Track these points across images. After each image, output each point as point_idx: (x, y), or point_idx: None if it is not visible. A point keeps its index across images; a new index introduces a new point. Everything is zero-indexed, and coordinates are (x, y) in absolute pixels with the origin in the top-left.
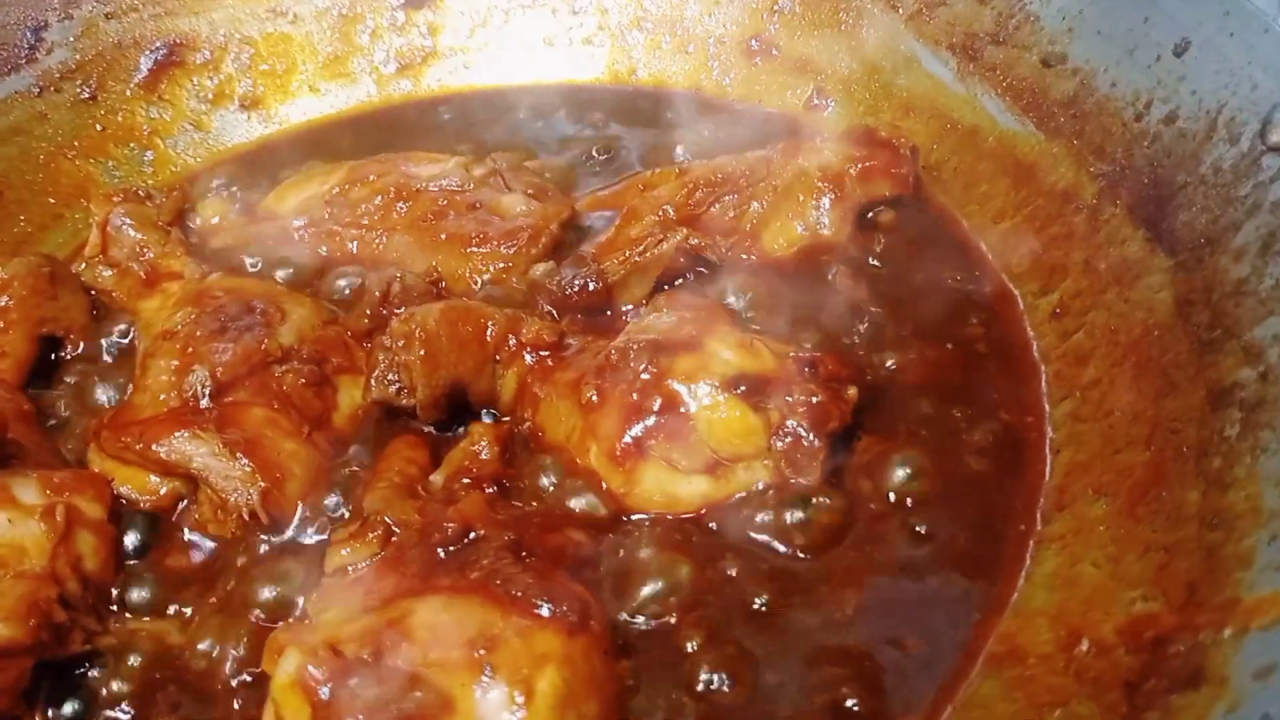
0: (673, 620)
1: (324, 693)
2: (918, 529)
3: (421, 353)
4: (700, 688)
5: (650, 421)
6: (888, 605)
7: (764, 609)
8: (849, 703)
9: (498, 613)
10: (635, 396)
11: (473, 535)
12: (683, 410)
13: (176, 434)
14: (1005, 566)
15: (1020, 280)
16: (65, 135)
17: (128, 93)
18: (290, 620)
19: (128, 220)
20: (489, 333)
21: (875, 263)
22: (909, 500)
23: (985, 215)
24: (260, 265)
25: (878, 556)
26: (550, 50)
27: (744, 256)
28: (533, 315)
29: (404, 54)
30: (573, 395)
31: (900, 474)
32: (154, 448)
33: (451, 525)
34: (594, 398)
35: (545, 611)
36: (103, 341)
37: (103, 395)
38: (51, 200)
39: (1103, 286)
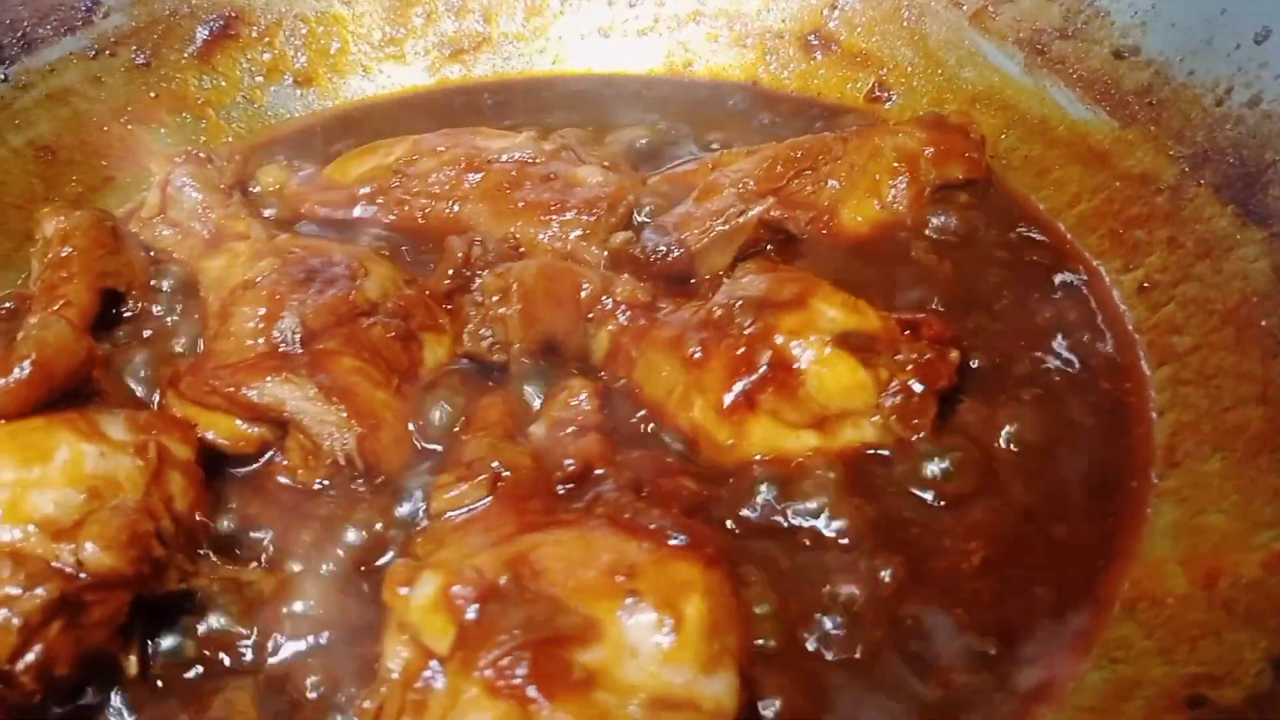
0: None
1: (471, 613)
2: (1031, 484)
3: (519, 307)
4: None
5: (759, 375)
6: (1012, 556)
7: (885, 562)
8: (989, 650)
9: (633, 544)
10: (743, 351)
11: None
12: (792, 365)
13: (269, 377)
14: (1124, 520)
15: (1103, 258)
16: (119, 100)
17: (182, 62)
18: (400, 561)
19: (189, 181)
20: (583, 291)
21: (954, 240)
22: (1019, 459)
23: (1060, 199)
24: (325, 232)
25: (997, 511)
26: (605, 41)
27: (822, 231)
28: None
29: (458, 39)
30: (674, 352)
31: (1008, 432)
32: (245, 391)
33: (573, 463)
34: (698, 354)
35: (681, 542)
36: (162, 298)
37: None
38: (104, 163)
39: (1191, 261)
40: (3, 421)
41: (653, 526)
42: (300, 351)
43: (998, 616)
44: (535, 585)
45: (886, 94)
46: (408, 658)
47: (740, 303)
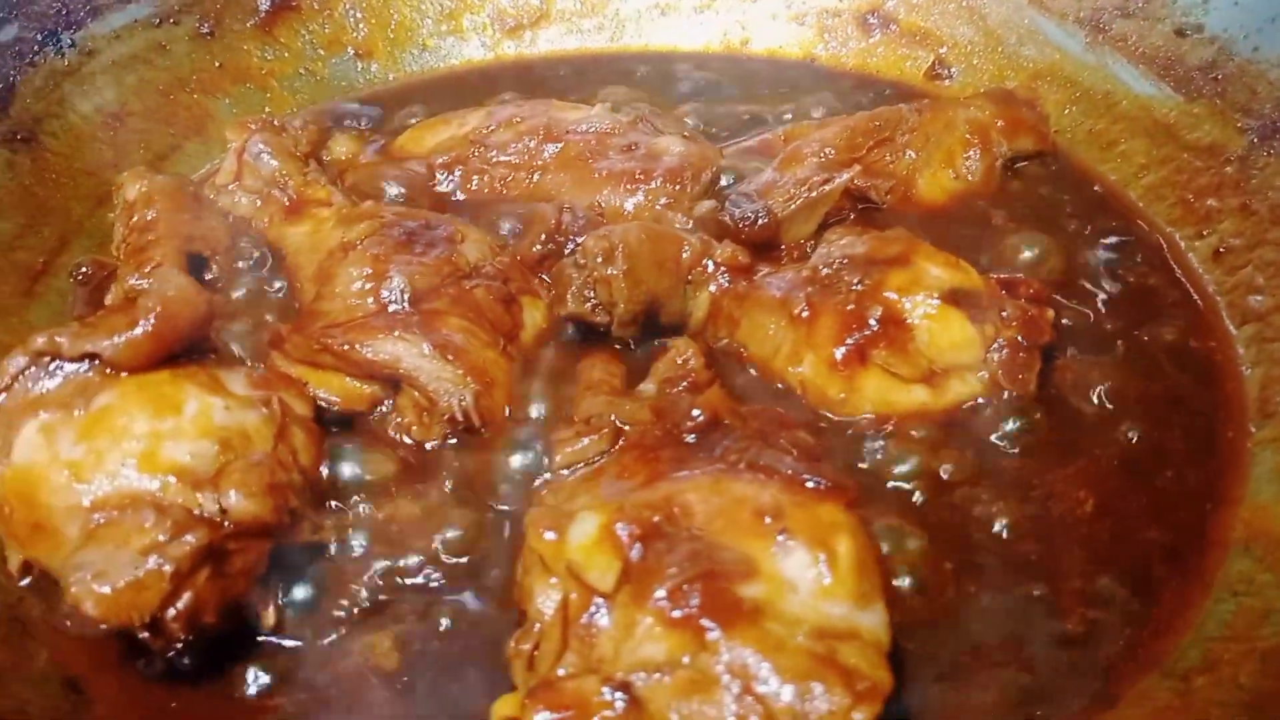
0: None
1: (636, 549)
2: (1130, 436)
3: (625, 268)
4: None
5: (871, 330)
6: (1122, 503)
7: (1005, 509)
8: (1114, 587)
9: (773, 488)
10: (854, 307)
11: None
12: (902, 320)
13: (384, 335)
14: (1225, 466)
15: (1175, 225)
16: (184, 69)
17: (245, 32)
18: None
19: (266, 148)
20: (684, 254)
21: (1029, 210)
22: (1117, 413)
23: (1128, 170)
24: (405, 200)
25: (1101, 462)
26: (663, 17)
27: (901, 200)
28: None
29: (516, 14)
30: (781, 311)
31: (1104, 388)
32: (360, 349)
33: (701, 414)
34: (806, 312)
35: (821, 485)
36: (246, 263)
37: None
38: (171, 131)
39: (1266, 226)
40: (128, 375)
41: (790, 472)
42: (410, 310)
43: (1116, 556)
44: (686, 526)
45: (947, 71)
46: (562, 598)
47: (846, 261)
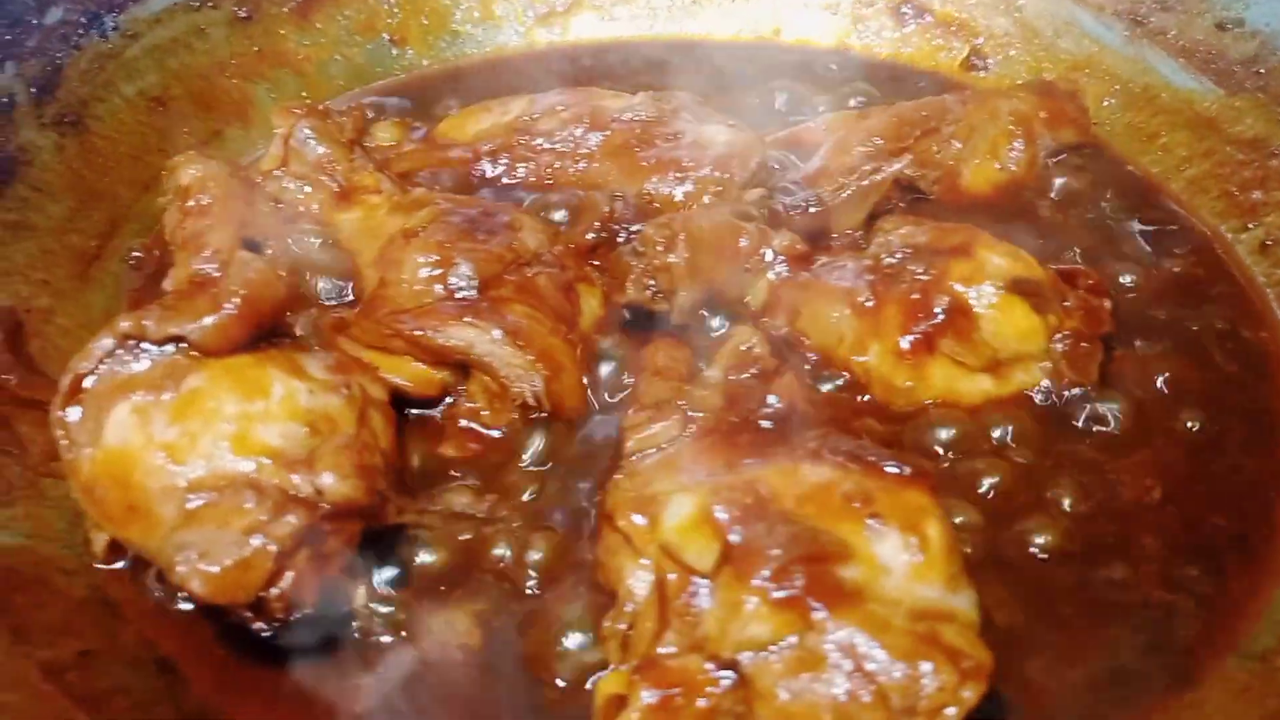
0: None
1: (736, 530)
2: (1190, 425)
3: (686, 256)
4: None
5: (938, 319)
6: (1187, 490)
7: (1075, 498)
8: (1186, 571)
9: (858, 474)
10: (919, 296)
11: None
12: (968, 309)
13: (456, 321)
14: None
15: (1220, 218)
16: (223, 53)
17: (282, 16)
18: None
19: (312, 134)
20: (743, 242)
21: (1074, 201)
22: (1175, 401)
23: (1169, 163)
24: (451, 189)
25: (1166, 450)
26: (695, 6)
27: (948, 190)
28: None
29: (549, 1)
30: (844, 300)
31: (1163, 377)
32: (433, 334)
33: (778, 400)
34: (870, 301)
35: (905, 471)
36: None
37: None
38: (212, 116)
39: None
40: (213, 359)
41: (871, 458)
42: (478, 297)
43: (1186, 542)
44: (777, 510)
45: (983, 63)
46: (656, 578)
47: (910, 251)
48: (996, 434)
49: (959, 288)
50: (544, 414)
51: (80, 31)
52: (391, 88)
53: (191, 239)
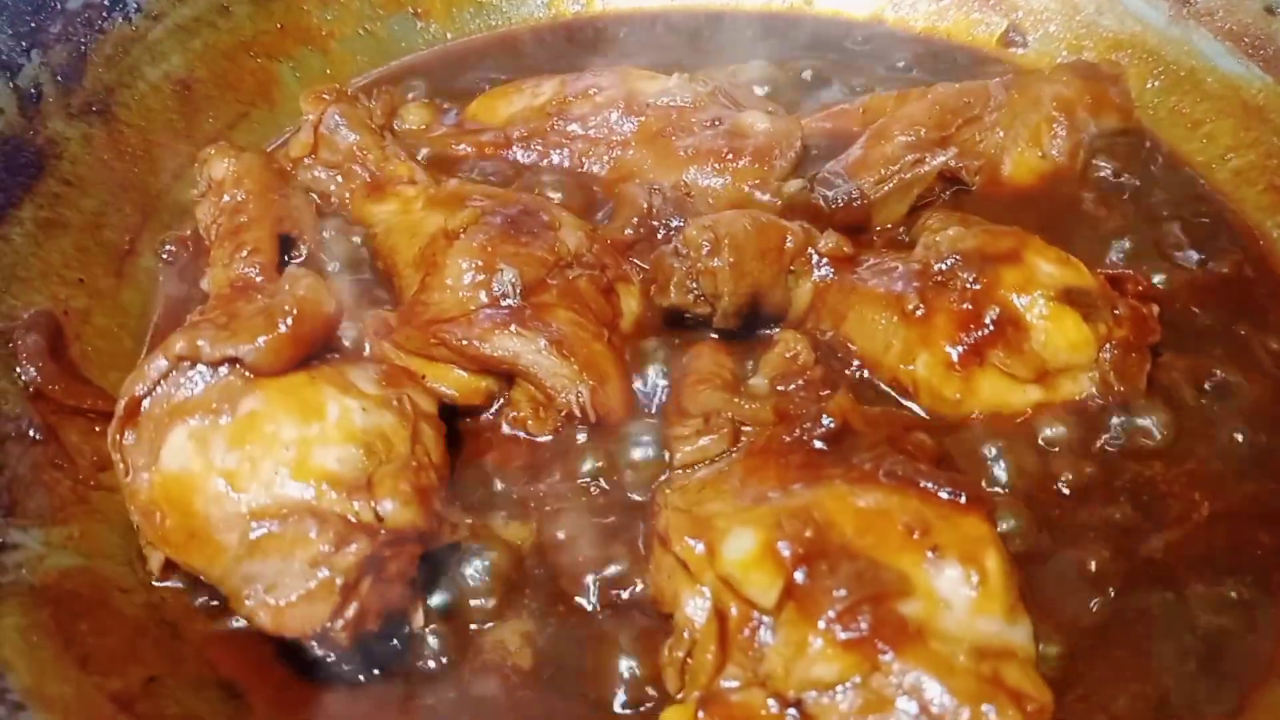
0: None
1: (800, 567)
2: (1237, 437)
3: (731, 259)
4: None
5: (987, 330)
6: (1236, 507)
7: (1123, 515)
8: (1233, 594)
9: (914, 500)
10: (970, 306)
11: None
12: (1019, 320)
13: (502, 330)
14: None
15: (1265, 211)
16: (246, 31)
17: None
18: (671, 512)
19: (343, 121)
20: (788, 243)
21: (1117, 192)
22: (1222, 412)
23: (1214, 151)
24: (484, 175)
25: (1213, 463)
26: None
27: (991, 181)
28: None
29: None
30: (892, 307)
31: (1211, 384)
32: (479, 345)
33: (833, 421)
34: (920, 310)
35: (962, 499)
36: (333, 242)
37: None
38: (237, 98)
39: None
40: (268, 379)
41: (930, 485)
42: (522, 305)
43: (1235, 563)
44: (833, 538)
45: (1021, 38)
46: (715, 608)
47: (960, 258)
48: (1043, 446)
49: (1010, 297)
50: (589, 423)
51: (104, 15)
52: (416, 63)
53: (229, 236)
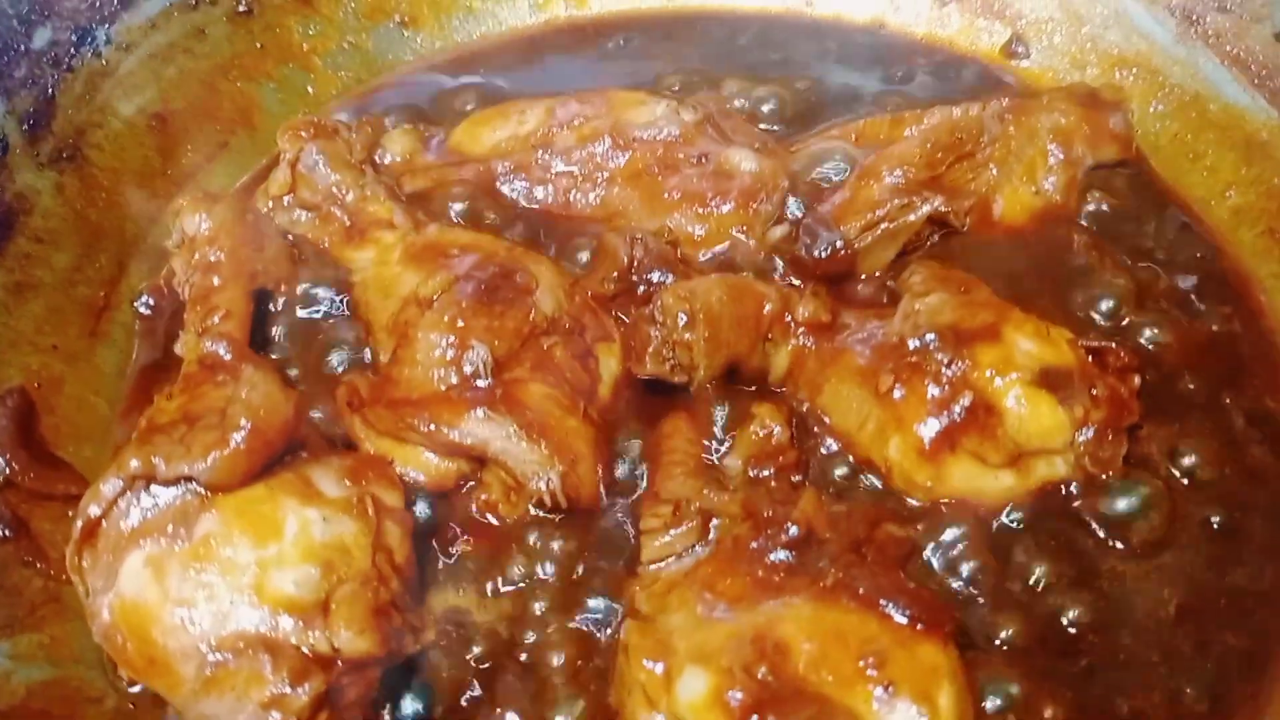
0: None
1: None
2: (1213, 521)
3: (706, 334)
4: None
5: (960, 417)
6: (1204, 603)
7: (1083, 613)
8: (1197, 706)
9: (873, 622)
10: (944, 390)
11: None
12: (993, 405)
13: (471, 416)
14: None
15: (1260, 257)
16: (224, 54)
17: (284, 6)
18: (630, 619)
19: (320, 158)
20: (765, 310)
21: (1111, 233)
22: (1198, 493)
23: (1213, 187)
24: (467, 215)
25: (1185, 552)
26: None
27: (981, 222)
28: (802, 291)
29: None
30: (867, 383)
31: (1188, 463)
32: (448, 431)
33: (796, 530)
34: (897, 392)
35: (920, 625)
36: (311, 293)
37: (333, 359)
38: (216, 127)
39: None
40: (225, 495)
41: (887, 607)
42: (493, 383)
43: (1198, 668)
44: (788, 670)
45: (1024, 49)
46: None
47: (935, 338)
48: (1008, 535)
49: (985, 380)
50: (560, 511)
51: (71, 51)
52: (404, 76)
53: (201, 299)
